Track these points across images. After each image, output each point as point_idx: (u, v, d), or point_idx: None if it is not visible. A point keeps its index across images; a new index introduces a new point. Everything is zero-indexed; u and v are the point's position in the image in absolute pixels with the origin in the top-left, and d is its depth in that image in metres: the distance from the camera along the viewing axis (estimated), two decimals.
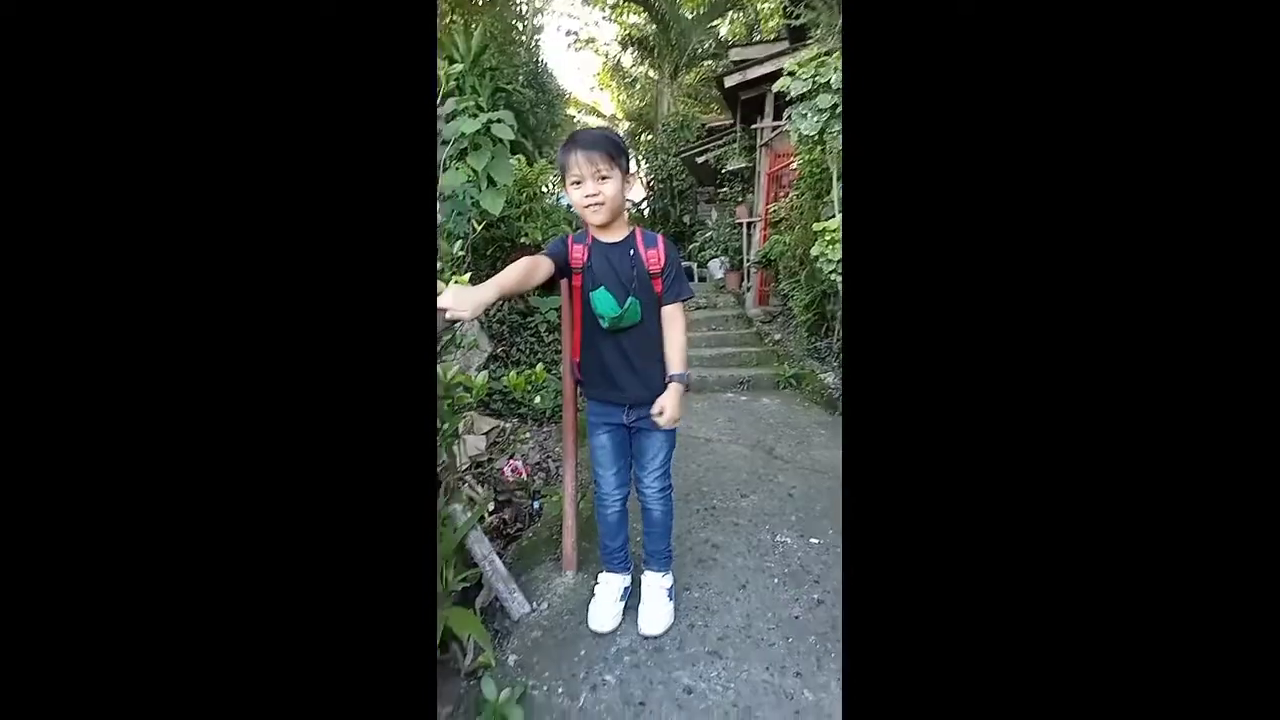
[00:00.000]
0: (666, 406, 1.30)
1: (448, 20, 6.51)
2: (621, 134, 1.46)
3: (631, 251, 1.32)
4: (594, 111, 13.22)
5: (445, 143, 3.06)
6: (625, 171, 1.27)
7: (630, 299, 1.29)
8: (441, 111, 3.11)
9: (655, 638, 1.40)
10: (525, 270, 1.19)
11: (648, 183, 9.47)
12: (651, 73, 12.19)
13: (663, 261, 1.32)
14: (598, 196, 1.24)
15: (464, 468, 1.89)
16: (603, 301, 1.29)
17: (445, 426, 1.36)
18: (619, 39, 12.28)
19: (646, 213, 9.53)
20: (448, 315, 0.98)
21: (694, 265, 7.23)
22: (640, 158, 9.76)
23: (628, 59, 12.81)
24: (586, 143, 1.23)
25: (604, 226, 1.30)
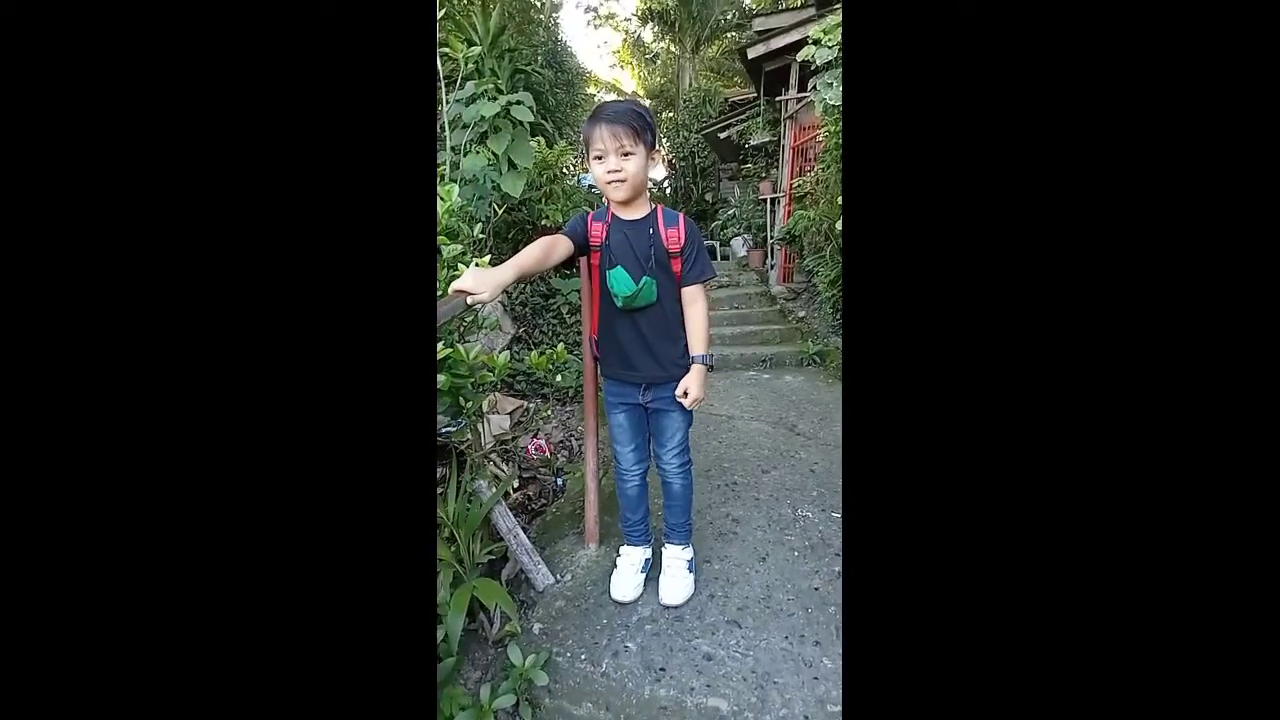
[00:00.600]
0: (690, 388, 1.31)
1: (465, 1, 6.48)
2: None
3: (651, 230, 1.30)
4: (614, 89, 13.05)
5: (465, 126, 3.08)
6: (650, 147, 1.24)
7: (645, 278, 1.28)
8: (460, 95, 3.13)
9: (675, 608, 1.43)
10: (544, 250, 1.19)
11: (669, 161, 9.35)
12: (673, 47, 11.96)
13: (683, 241, 1.30)
14: (620, 173, 1.22)
15: (489, 446, 1.94)
16: (618, 280, 1.29)
17: (469, 405, 1.41)
18: (639, 13, 12.05)
19: (668, 191, 9.44)
20: (468, 299, 0.99)
21: (716, 244, 7.15)
22: (662, 135, 9.65)
23: (648, 34, 12.58)
24: (611, 116, 1.20)
25: (625, 204, 1.29)
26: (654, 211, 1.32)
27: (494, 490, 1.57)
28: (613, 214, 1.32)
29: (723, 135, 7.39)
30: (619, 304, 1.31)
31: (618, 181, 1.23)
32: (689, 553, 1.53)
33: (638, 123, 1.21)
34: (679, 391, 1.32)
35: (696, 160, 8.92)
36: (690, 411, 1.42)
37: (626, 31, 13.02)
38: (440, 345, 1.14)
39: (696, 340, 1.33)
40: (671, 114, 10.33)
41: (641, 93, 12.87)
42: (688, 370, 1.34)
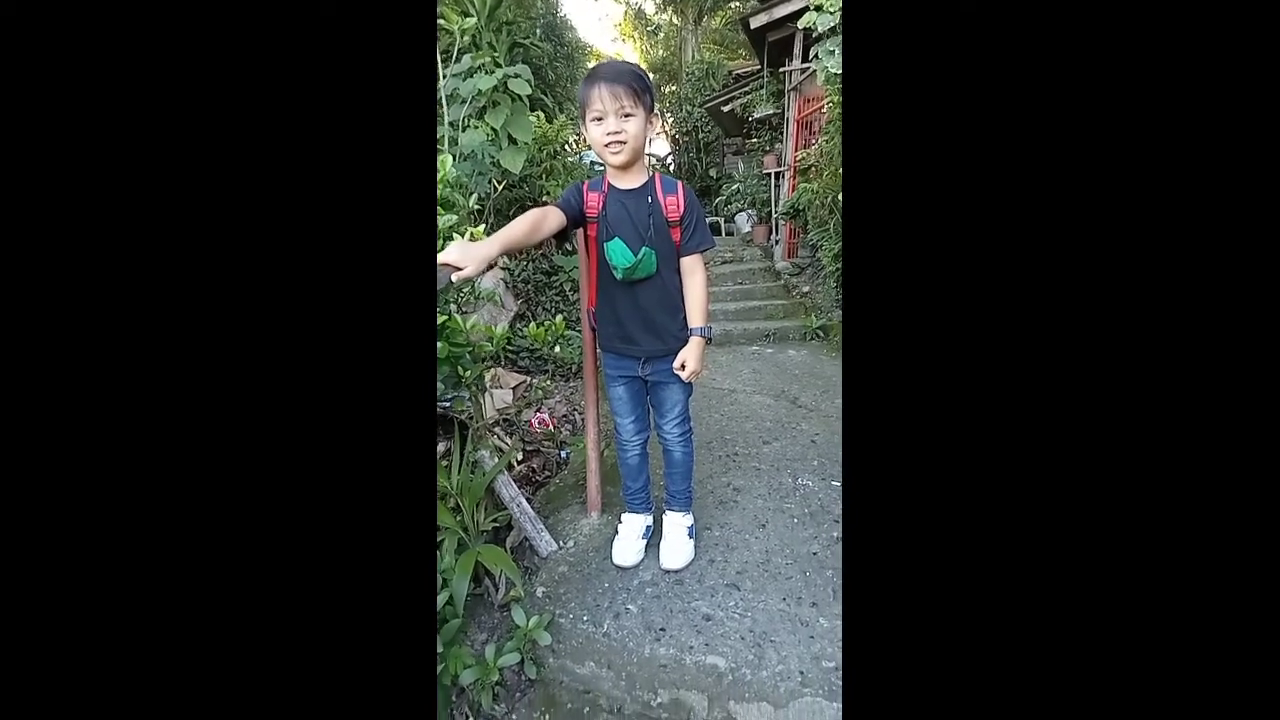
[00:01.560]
0: (688, 361, 1.30)
1: None
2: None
3: (650, 199, 1.26)
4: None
5: (463, 101, 3.05)
6: (649, 110, 1.20)
7: (644, 249, 1.25)
8: (457, 69, 3.10)
9: (676, 572, 1.46)
10: (532, 223, 1.16)
11: (672, 136, 9.22)
12: (675, 19, 11.70)
13: (682, 209, 1.27)
14: (620, 135, 1.18)
15: (492, 420, 1.96)
16: (617, 252, 1.26)
17: (468, 374, 1.42)
18: None
19: (672, 168, 9.33)
20: (453, 276, 0.96)
21: (721, 220, 7.09)
22: (664, 110, 9.49)
23: (650, 5, 12.30)
24: (610, 76, 1.16)
25: (623, 169, 1.25)
26: (651, 179, 1.28)
27: (497, 461, 1.60)
28: (609, 183, 1.28)
29: (726, 109, 7.27)
30: (618, 276, 1.28)
31: (618, 143, 1.18)
32: (689, 519, 1.55)
33: (637, 84, 1.16)
34: (676, 364, 1.32)
35: (700, 135, 8.79)
36: (689, 384, 1.42)
37: (628, 4, 12.75)
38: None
39: (695, 312, 1.32)
40: (674, 88, 10.17)
41: (644, 66, 12.63)
42: (686, 343, 1.33)
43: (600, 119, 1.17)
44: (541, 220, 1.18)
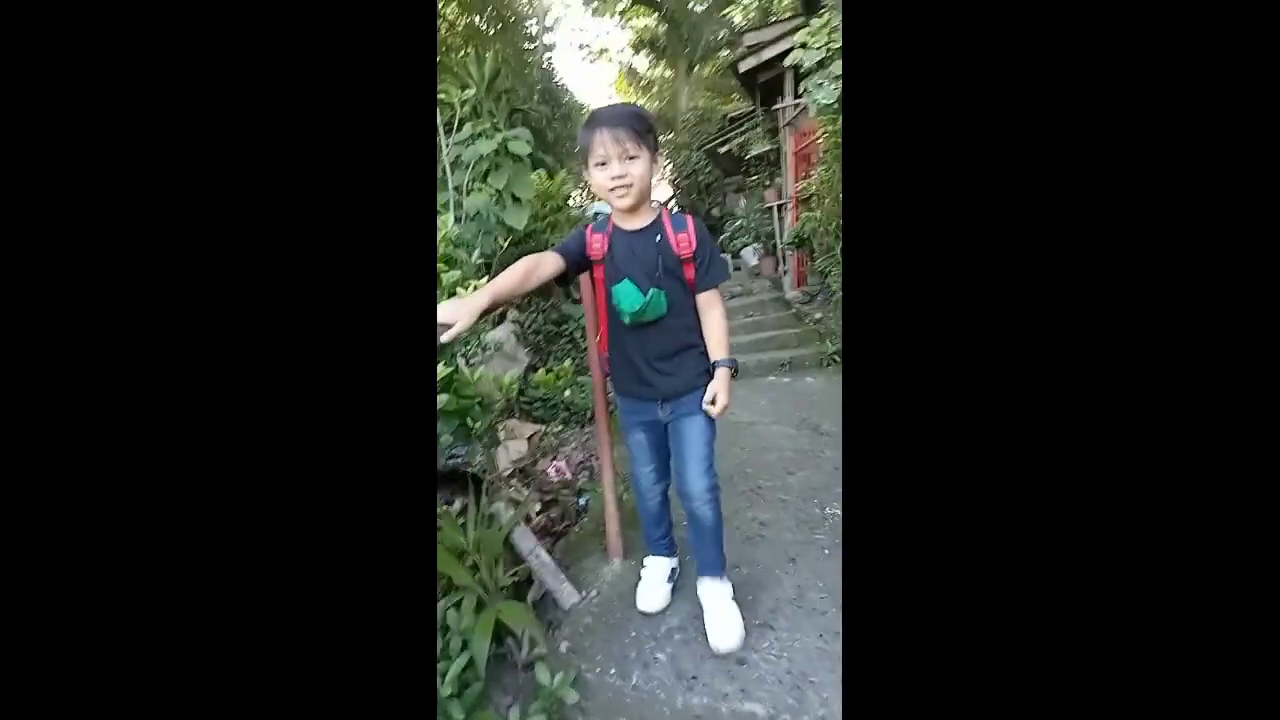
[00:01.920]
0: (718, 394, 1.21)
1: (461, 54, 6.77)
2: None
3: (658, 237, 1.21)
4: None
5: (466, 166, 3.19)
6: (653, 150, 1.16)
7: (652, 290, 1.18)
8: (459, 138, 3.25)
9: (732, 653, 1.27)
10: (525, 270, 1.14)
11: (673, 181, 9.47)
12: (667, 72, 12.23)
13: (694, 245, 1.21)
14: (625, 178, 1.13)
15: (506, 472, 1.94)
16: (625, 295, 1.19)
17: (477, 426, 1.42)
18: (631, 44, 12.39)
19: (675, 211, 9.52)
20: (443, 336, 0.96)
21: (728, 255, 7.16)
22: (663, 157, 9.78)
23: (642, 62, 12.90)
24: (611, 120, 1.12)
25: (630, 211, 1.20)
26: (659, 218, 1.23)
27: (513, 513, 1.57)
28: (614, 224, 1.24)
29: (723, 149, 7.47)
30: (626, 321, 1.22)
31: (623, 188, 1.14)
32: (729, 585, 1.37)
33: (639, 124, 1.13)
34: (707, 399, 1.22)
35: (700, 177, 9.01)
36: (713, 421, 1.29)
37: (620, 63, 13.38)
38: (442, 365, 1.15)
39: (718, 345, 1.25)
40: (671, 135, 10.51)
41: None
42: (710, 378, 1.25)
43: (604, 164, 1.14)
44: (534, 268, 1.16)
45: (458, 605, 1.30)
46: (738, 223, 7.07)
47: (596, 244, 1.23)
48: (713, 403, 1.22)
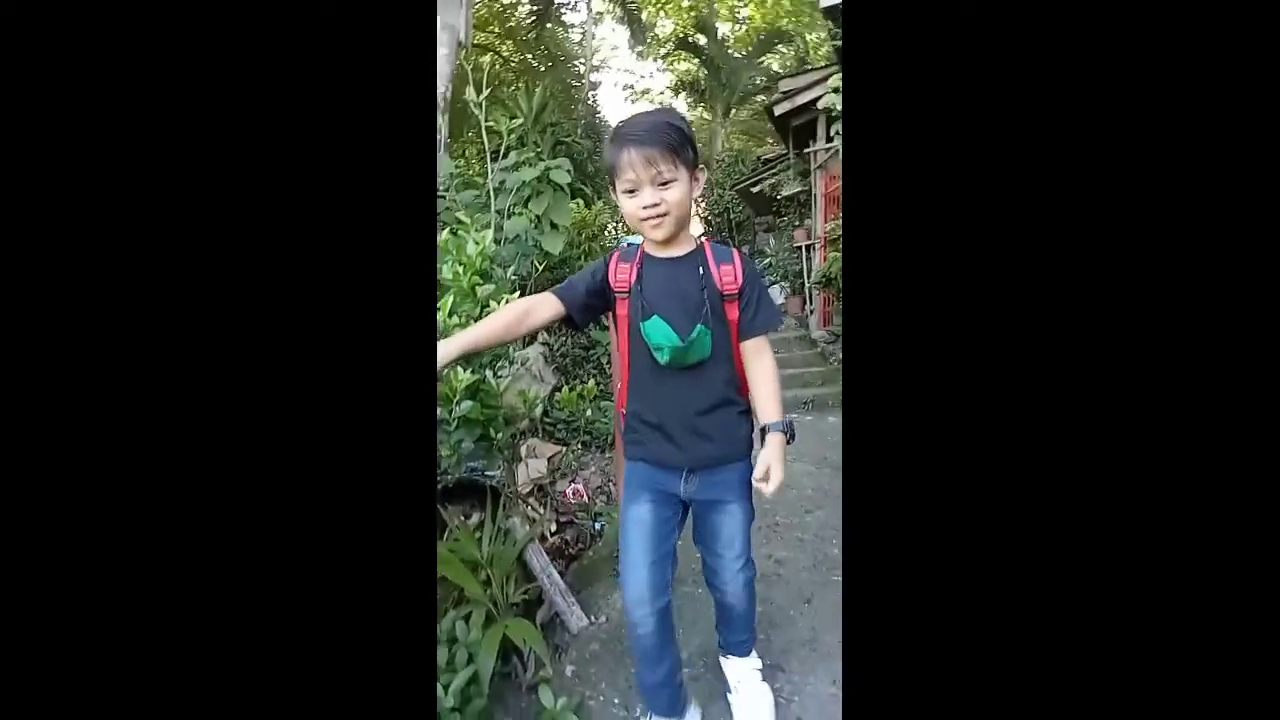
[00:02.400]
0: (772, 466, 0.96)
1: (512, 87, 7.10)
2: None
3: (700, 269, 1.00)
4: None
5: (510, 192, 3.32)
6: (693, 167, 0.96)
7: (699, 328, 0.97)
8: (505, 164, 3.39)
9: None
10: (515, 316, 1.00)
11: (704, 218, 9.62)
12: (705, 114, 12.56)
13: (740, 281, 1.01)
14: (659, 207, 0.93)
15: (525, 491, 1.95)
16: (658, 331, 0.97)
17: (499, 437, 1.43)
18: (672, 86, 12.80)
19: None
20: None
21: None
22: (698, 196, 9.96)
23: (681, 105, 13.28)
24: (640, 137, 0.91)
25: (666, 243, 1.00)
26: (701, 247, 1.03)
27: (528, 530, 1.57)
28: (645, 251, 1.03)
29: (755, 189, 7.58)
30: (663, 360, 0.98)
31: (657, 218, 0.94)
32: (757, 660, 1.20)
33: (674, 138, 0.92)
34: (758, 474, 0.97)
35: (731, 215, 9.14)
36: (750, 503, 1.07)
37: (660, 104, 13.81)
38: (469, 373, 1.18)
39: (769, 403, 1.01)
40: (706, 174, 10.75)
41: None
42: (748, 445, 1.03)
43: (633, 191, 0.94)
44: (525, 315, 1.01)
45: (467, 618, 1.29)
46: (766, 260, 7.11)
47: (623, 274, 1.03)
48: (765, 479, 0.97)
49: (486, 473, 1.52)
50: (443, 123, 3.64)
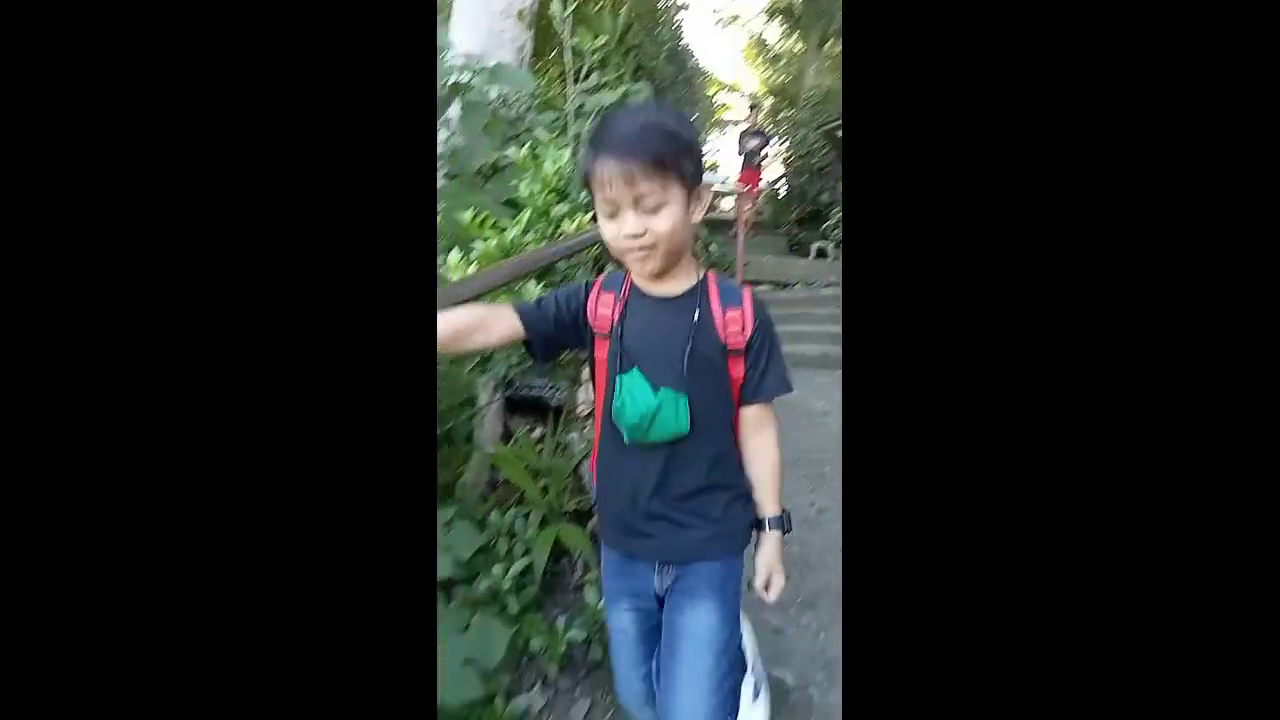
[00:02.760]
0: (772, 571, 0.82)
1: (598, 6, 6.81)
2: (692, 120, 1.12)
3: (696, 312, 0.78)
4: (735, 90, 13.00)
5: (587, 115, 3.27)
6: (693, 182, 0.74)
7: (663, 392, 0.75)
8: (586, 85, 3.32)
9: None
10: (468, 324, 0.81)
11: (786, 159, 9.16)
12: (798, 45, 11.67)
13: (749, 330, 0.78)
14: (644, 238, 0.72)
15: (583, 413, 2.05)
16: (630, 394, 0.76)
17: (562, 358, 1.50)
18: (766, 10, 11.90)
19: (783, 193, 9.24)
20: None
21: (830, 244, 6.90)
22: (780, 135, 9.44)
23: (773, 32, 12.37)
24: (621, 147, 0.71)
25: (657, 277, 0.79)
26: (703, 282, 0.80)
27: (584, 446, 1.67)
28: (631, 282, 0.81)
29: (842, 134, 7.11)
30: (625, 438, 0.78)
31: (643, 250, 0.73)
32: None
33: (665, 148, 0.71)
34: (760, 581, 0.82)
35: (813, 159, 8.64)
36: (732, 609, 0.82)
37: (751, 32, 12.91)
38: (541, 288, 1.23)
39: (767, 490, 0.83)
40: (792, 111, 10.10)
41: (763, 92, 12.69)
42: (739, 541, 0.83)
43: (613, 215, 0.73)
44: (479, 324, 0.82)
45: (526, 516, 1.42)
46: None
47: (604, 309, 0.80)
48: (767, 586, 0.83)
49: (550, 388, 1.61)
50: (528, 39, 3.58)
